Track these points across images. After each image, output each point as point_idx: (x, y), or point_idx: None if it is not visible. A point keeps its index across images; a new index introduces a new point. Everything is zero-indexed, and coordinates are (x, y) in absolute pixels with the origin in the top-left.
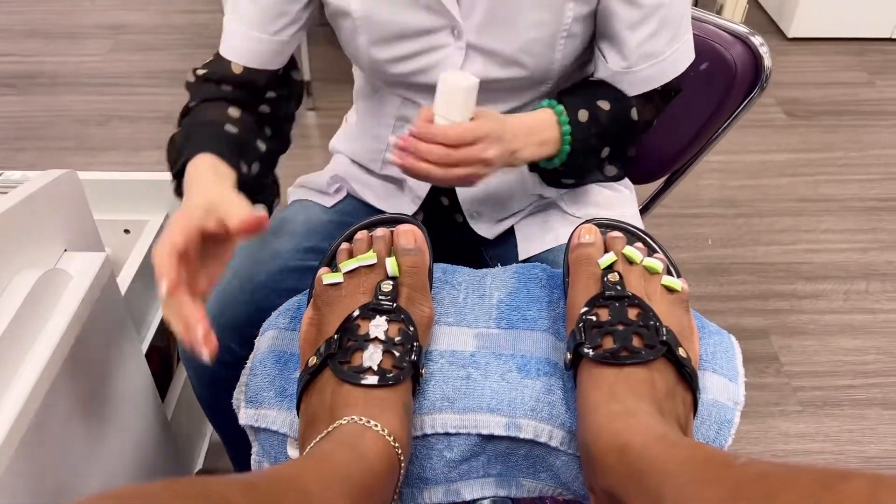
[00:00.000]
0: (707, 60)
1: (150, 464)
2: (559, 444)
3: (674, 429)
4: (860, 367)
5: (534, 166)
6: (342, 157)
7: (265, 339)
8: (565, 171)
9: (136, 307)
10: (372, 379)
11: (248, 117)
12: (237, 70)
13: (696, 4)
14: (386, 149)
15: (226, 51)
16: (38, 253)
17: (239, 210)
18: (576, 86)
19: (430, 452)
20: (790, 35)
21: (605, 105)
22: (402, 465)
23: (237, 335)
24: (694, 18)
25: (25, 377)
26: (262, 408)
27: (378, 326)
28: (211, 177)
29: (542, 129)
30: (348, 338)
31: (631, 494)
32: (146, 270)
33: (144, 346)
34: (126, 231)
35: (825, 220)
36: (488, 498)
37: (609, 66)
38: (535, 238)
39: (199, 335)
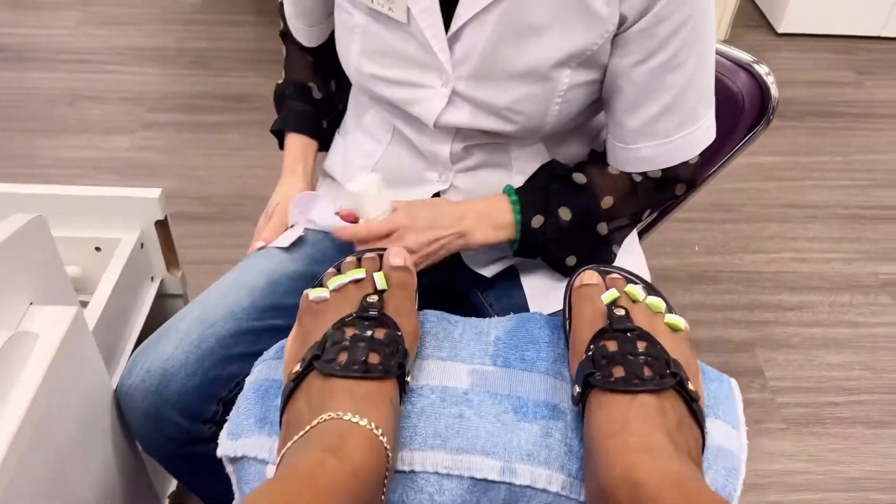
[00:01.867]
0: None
1: (126, 496)
2: (560, 489)
3: (689, 468)
4: (844, 382)
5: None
6: (329, 182)
7: (251, 376)
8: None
9: (108, 336)
10: (358, 371)
11: (317, 62)
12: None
13: None
14: (374, 165)
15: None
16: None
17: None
18: (546, 179)
19: (420, 496)
20: (780, 30)
21: (565, 214)
22: (390, 460)
23: (183, 409)
24: None
25: None
26: (241, 437)
27: (364, 330)
28: (297, 171)
29: (494, 213)
30: (333, 341)
31: None
32: (119, 293)
33: (114, 381)
34: (97, 249)
35: (811, 228)
36: None
37: (607, 135)
38: (548, 294)
39: None
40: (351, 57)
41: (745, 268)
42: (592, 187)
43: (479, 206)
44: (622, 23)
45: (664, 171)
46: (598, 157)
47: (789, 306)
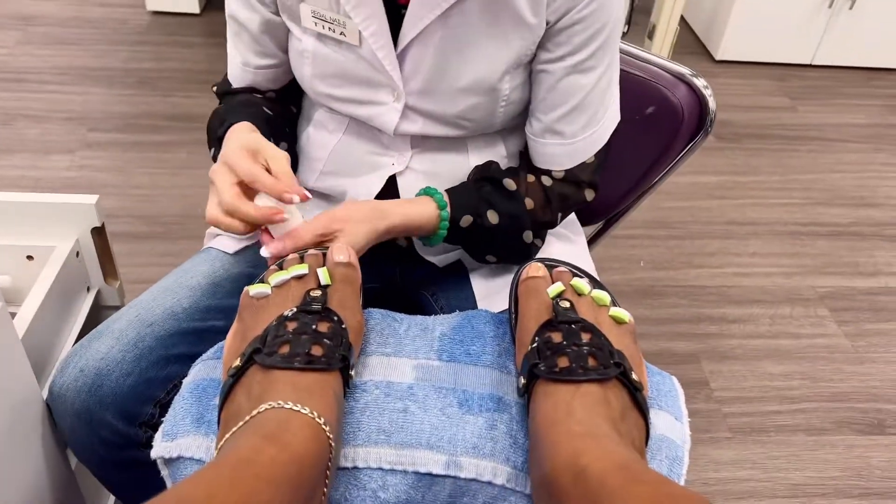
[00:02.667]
0: (653, 104)
1: None
2: (505, 481)
3: (633, 453)
4: (786, 392)
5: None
6: None
7: (189, 377)
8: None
9: (40, 345)
10: (300, 362)
11: (279, 107)
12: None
13: (627, 29)
14: (328, 156)
15: (230, 75)
16: None
17: (280, 154)
18: (479, 181)
19: (363, 493)
20: (718, 57)
21: (493, 218)
22: (333, 451)
23: (118, 411)
24: (635, 58)
25: None
26: (176, 438)
27: (307, 323)
28: (249, 131)
29: (416, 219)
30: (275, 334)
31: None
32: (52, 302)
33: (45, 391)
34: (29, 257)
35: (752, 244)
36: None
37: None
38: (499, 294)
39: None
40: (304, 79)
41: (690, 282)
42: (521, 194)
43: (405, 208)
44: (548, 26)
45: (567, 171)
46: (525, 162)
47: (733, 319)
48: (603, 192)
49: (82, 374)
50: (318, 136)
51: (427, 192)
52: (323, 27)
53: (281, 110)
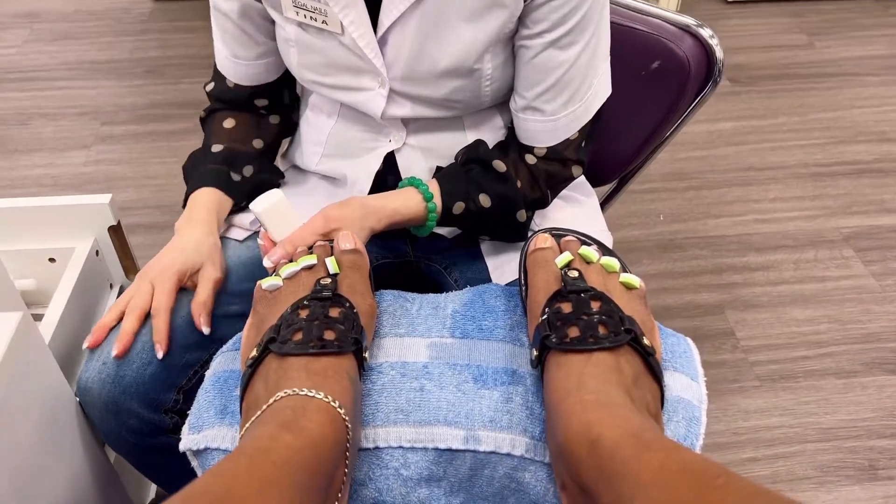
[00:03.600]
0: (659, 58)
1: None
2: (524, 452)
3: (647, 420)
4: (813, 337)
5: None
6: (292, 170)
7: (210, 369)
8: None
9: (68, 343)
10: (314, 347)
11: (242, 122)
12: (230, 84)
13: None
14: (326, 140)
15: (219, 66)
16: None
17: (207, 277)
18: (467, 164)
19: (385, 472)
20: None
21: (485, 201)
22: (350, 433)
23: (142, 399)
24: (638, 12)
25: None
26: (202, 430)
27: (319, 310)
28: (200, 223)
29: (405, 214)
30: (288, 323)
31: (603, 494)
32: (76, 302)
33: (74, 388)
34: (51, 260)
35: (773, 189)
36: None
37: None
38: (510, 264)
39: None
40: (292, 67)
41: (710, 233)
42: (512, 175)
43: (393, 202)
44: (525, 2)
45: (549, 149)
46: (513, 139)
47: (756, 267)
48: (614, 151)
49: (105, 367)
50: (316, 119)
51: (412, 182)
52: (305, 16)
53: (269, 120)
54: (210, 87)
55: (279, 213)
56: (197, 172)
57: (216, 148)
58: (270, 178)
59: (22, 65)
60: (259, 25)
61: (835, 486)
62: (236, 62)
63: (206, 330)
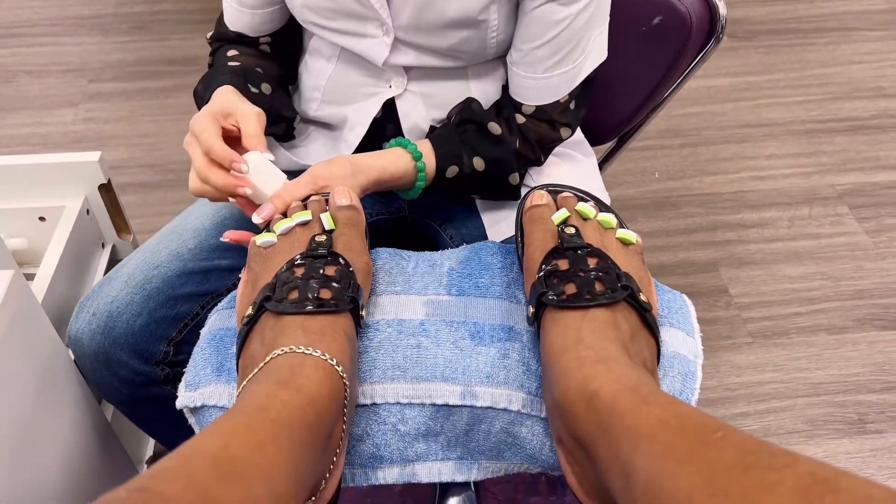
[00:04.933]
0: (660, 14)
1: (96, 465)
2: (520, 407)
3: (644, 375)
4: (806, 293)
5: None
6: None
7: (205, 327)
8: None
9: (60, 302)
10: (310, 306)
11: (247, 52)
12: (233, 34)
13: None
14: (325, 85)
15: (226, 18)
16: None
17: (249, 112)
18: (461, 125)
19: (383, 427)
20: None
21: (479, 164)
22: (347, 390)
23: (132, 350)
24: None
25: None
26: (199, 387)
27: (315, 267)
28: (230, 93)
29: (394, 172)
30: (284, 281)
31: (600, 448)
32: (68, 261)
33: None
34: (41, 219)
35: (768, 146)
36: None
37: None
38: (506, 221)
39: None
40: (295, 7)
41: (705, 190)
42: (507, 137)
43: (381, 161)
44: None
45: (538, 108)
46: (507, 100)
47: (750, 224)
48: (613, 109)
49: (95, 318)
50: (315, 64)
51: (399, 142)
52: None
53: (273, 61)
54: (210, 34)
55: (261, 171)
56: (214, 83)
57: (232, 64)
58: (282, 112)
59: (5, 20)
60: None
61: (824, 439)
62: (241, 10)
63: (271, 156)
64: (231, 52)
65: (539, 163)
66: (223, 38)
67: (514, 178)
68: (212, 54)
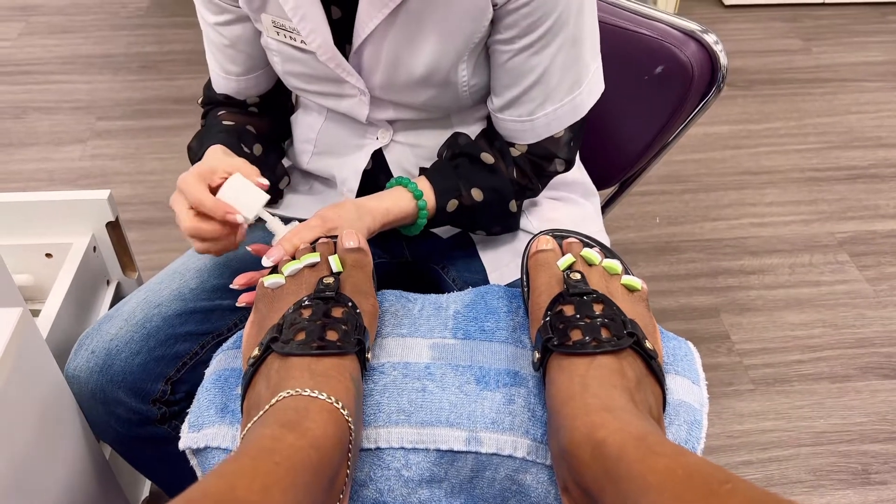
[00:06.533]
0: (662, 63)
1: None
2: (526, 454)
3: (650, 424)
4: (808, 341)
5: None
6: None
7: (210, 367)
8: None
9: (65, 338)
10: (316, 348)
11: (237, 112)
12: (222, 97)
13: None
14: (316, 138)
15: (213, 84)
16: None
17: (237, 164)
18: (454, 159)
19: (387, 473)
20: (727, 2)
21: (477, 195)
22: (352, 434)
23: (130, 388)
24: (642, 16)
25: None
26: (202, 429)
27: (321, 309)
28: (219, 152)
29: (397, 213)
30: (291, 322)
31: (607, 497)
32: (73, 298)
33: None
34: (48, 255)
35: (768, 193)
36: None
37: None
38: (508, 265)
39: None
40: (279, 73)
41: (706, 236)
42: (501, 166)
43: (384, 203)
44: (496, 8)
45: (531, 146)
46: (496, 131)
47: (751, 270)
48: (616, 155)
49: (93, 356)
50: (306, 118)
51: (400, 181)
52: (284, 36)
53: (263, 119)
54: (200, 99)
55: (238, 189)
56: (208, 140)
57: (225, 123)
58: (271, 175)
59: (17, 58)
60: (245, 39)
61: (828, 489)
62: (227, 78)
63: (265, 182)
64: (221, 113)
65: (536, 192)
66: (212, 102)
67: (513, 205)
68: (204, 116)
